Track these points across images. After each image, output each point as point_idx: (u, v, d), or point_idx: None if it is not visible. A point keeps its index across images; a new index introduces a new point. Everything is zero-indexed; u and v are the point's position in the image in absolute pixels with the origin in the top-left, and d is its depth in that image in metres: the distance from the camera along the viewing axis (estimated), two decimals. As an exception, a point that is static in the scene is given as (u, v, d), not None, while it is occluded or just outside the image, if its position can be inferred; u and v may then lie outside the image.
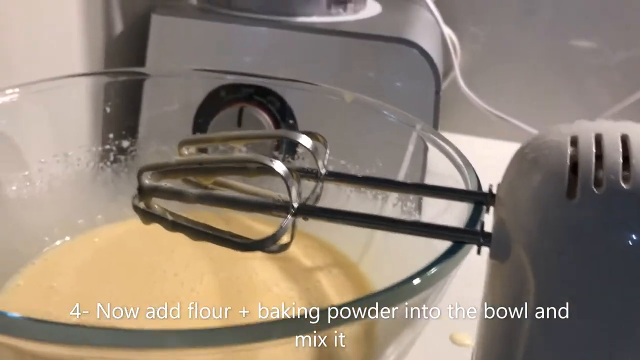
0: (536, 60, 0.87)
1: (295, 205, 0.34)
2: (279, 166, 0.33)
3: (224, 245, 0.33)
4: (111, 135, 0.54)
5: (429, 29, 0.76)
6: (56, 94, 0.51)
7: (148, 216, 0.35)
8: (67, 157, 0.51)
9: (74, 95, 0.54)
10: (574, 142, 0.30)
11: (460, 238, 0.32)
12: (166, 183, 0.36)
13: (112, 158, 0.54)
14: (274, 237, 0.33)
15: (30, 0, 0.55)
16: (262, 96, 0.61)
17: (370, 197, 0.52)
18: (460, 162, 0.42)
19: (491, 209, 0.35)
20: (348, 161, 0.53)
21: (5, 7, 0.52)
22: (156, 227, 0.36)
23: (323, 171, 0.38)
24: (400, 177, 0.50)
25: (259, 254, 0.34)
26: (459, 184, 0.41)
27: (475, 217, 0.35)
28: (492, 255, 0.31)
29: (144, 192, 0.36)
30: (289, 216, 0.34)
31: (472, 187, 0.39)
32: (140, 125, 0.59)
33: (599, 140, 0.29)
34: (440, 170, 0.45)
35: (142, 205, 0.35)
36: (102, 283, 0.46)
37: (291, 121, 0.59)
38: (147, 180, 0.36)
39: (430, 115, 0.62)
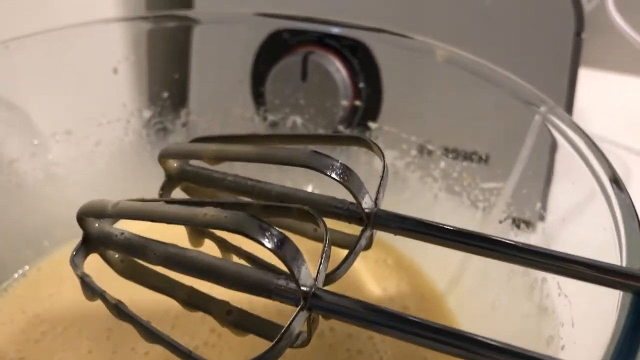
0: None
1: (307, 290, 0.20)
2: (273, 239, 0.19)
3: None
4: (125, 102, 0.41)
5: None
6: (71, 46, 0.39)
7: (88, 290, 0.23)
8: (71, 134, 0.40)
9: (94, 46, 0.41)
10: None
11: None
12: (120, 232, 0.23)
13: (137, 130, 0.42)
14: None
15: None
16: (335, 39, 0.46)
17: (468, 204, 0.36)
18: (609, 188, 0.26)
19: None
20: (436, 147, 0.38)
21: None
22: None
23: (372, 211, 0.23)
24: (511, 185, 0.33)
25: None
26: (600, 218, 0.25)
27: (629, 332, 0.19)
28: None
29: (89, 244, 0.23)
30: (299, 311, 0.20)
31: (626, 242, 0.23)
32: (190, 84, 0.46)
33: None
34: (575, 182, 0.29)
35: (80, 270, 0.23)
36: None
37: (363, 84, 0.44)
38: (97, 224, 0.24)
39: (566, 66, 0.43)
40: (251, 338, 0.25)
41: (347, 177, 0.22)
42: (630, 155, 0.54)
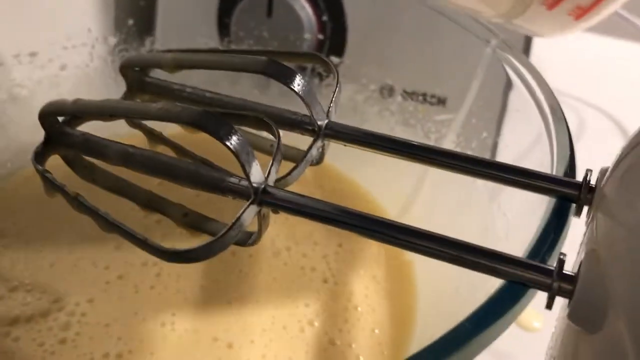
0: None
1: (258, 186, 0.21)
2: (227, 134, 0.20)
3: (141, 247, 0.22)
4: (90, 27, 0.41)
5: None
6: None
7: (48, 184, 0.24)
8: (36, 56, 0.40)
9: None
10: None
11: (518, 278, 0.19)
12: (80, 133, 0.24)
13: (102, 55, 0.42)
14: (212, 248, 0.21)
15: None
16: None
17: (421, 135, 0.38)
18: (547, 110, 0.28)
19: (584, 212, 0.21)
20: (396, 83, 0.39)
21: None
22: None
23: (323, 122, 0.25)
24: (461, 117, 0.35)
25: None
26: (543, 147, 0.27)
27: (550, 230, 0.21)
28: (573, 317, 0.18)
29: (50, 144, 0.24)
30: (249, 205, 0.21)
31: (557, 160, 0.25)
32: (157, 12, 0.46)
33: None
34: (525, 115, 0.31)
35: (41, 166, 0.24)
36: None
37: (326, 17, 0.44)
38: (58, 125, 0.25)
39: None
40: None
41: (303, 87, 0.24)
42: (585, 107, 0.57)
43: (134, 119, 0.25)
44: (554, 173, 0.25)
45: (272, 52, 0.27)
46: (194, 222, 0.25)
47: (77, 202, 0.22)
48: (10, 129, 0.40)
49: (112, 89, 0.42)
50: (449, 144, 0.35)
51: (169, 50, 0.27)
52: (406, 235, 0.20)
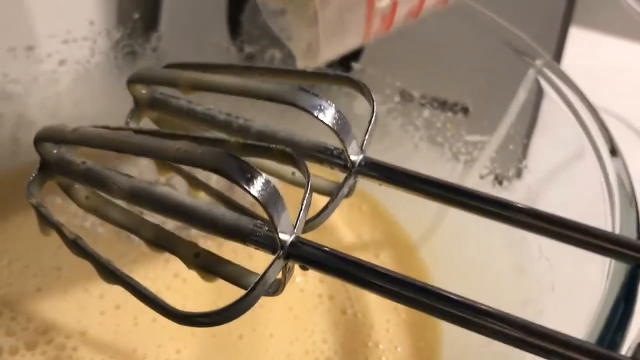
0: None
1: (286, 238, 0.18)
2: (254, 182, 0.17)
3: (149, 306, 0.19)
4: (93, 20, 0.38)
5: None
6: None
7: (43, 221, 0.21)
8: (33, 50, 0.37)
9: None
10: None
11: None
12: (81, 162, 0.21)
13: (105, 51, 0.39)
14: (231, 312, 0.18)
15: None
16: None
17: (449, 156, 0.35)
18: (602, 149, 0.25)
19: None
20: (420, 94, 0.36)
21: None
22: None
23: (357, 158, 0.22)
24: (497, 140, 0.32)
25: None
26: (585, 177, 0.24)
27: (621, 301, 0.18)
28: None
29: (47, 171, 0.21)
30: (275, 260, 0.18)
31: (619, 212, 0.22)
32: (162, 6, 0.42)
33: None
34: (566, 142, 0.28)
35: (35, 199, 0.21)
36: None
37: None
38: (56, 151, 0.22)
39: (557, 23, 0.42)
40: (218, 283, 0.23)
41: (338, 122, 0.21)
42: (611, 119, 0.54)
43: (147, 157, 0.22)
44: (616, 224, 0.22)
45: (300, 73, 0.24)
46: (206, 263, 0.22)
47: (76, 246, 0.19)
48: (1, 128, 0.37)
49: (114, 87, 0.39)
50: (480, 168, 0.33)
51: (184, 65, 0.24)
52: (462, 310, 0.18)
